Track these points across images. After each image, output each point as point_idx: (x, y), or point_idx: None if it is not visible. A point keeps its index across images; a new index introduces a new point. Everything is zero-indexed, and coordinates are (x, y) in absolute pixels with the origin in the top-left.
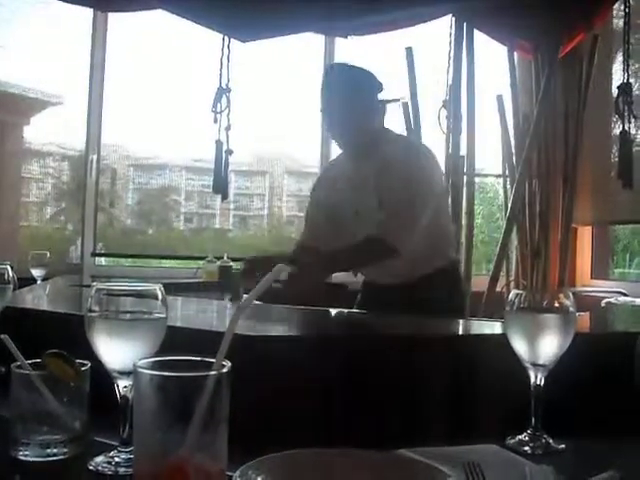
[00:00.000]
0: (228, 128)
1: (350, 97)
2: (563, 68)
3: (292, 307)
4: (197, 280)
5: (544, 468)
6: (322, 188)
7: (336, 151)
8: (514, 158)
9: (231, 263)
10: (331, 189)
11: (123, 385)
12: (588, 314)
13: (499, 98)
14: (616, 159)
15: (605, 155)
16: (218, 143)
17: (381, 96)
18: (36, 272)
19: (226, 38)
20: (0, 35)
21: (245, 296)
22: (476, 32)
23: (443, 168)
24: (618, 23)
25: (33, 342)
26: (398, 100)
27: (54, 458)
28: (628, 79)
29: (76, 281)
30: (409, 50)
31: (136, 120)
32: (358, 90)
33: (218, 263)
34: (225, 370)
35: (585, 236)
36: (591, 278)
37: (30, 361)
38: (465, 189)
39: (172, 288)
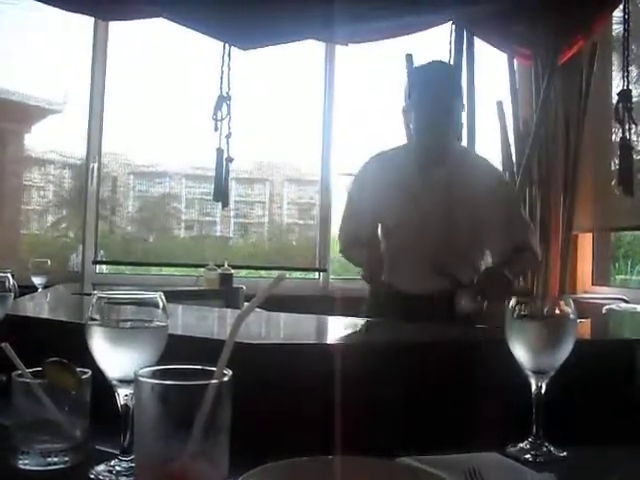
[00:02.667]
0: (229, 136)
1: (455, 94)
2: (563, 75)
3: (292, 314)
4: (198, 288)
5: (545, 476)
6: (373, 189)
7: (338, 159)
8: (514, 164)
9: (232, 271)
10: (393, 191)
11: (124, 394)
12: (589, 321)
13: (499, 105)
14: (616, 166)
15: (605, 162)
16: (219, 151)
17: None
18: (37, 280)
19: (226, 46)
20: (1, 43)
21: (246, 304)
22: (476, 39)
23: None
24: (617, 30)
25: (34, 350)
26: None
27: (55, 467)
28: (628, 86)
29: (77, 289)
30: (409, 57)
31: (137, 128)
32: (459, 92)
33: (219, 271)
34: (226, 379)
35: (586, 243)
36: (592, 285)
37: (31, 369)
38: None
39: (173, 296)
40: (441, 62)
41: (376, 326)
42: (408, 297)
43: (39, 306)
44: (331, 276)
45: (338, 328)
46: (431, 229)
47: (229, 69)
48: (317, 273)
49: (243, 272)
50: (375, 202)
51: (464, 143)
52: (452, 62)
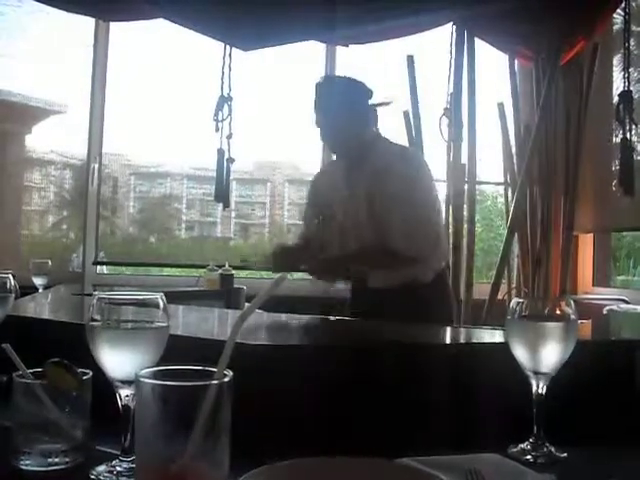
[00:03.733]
0: (229, 136)
1: (339, 108)
2: (564, 76)
3: (293, 315)
4: (198, 288)
5: (546, 477)
6: (316, 191)
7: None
8: (515, 166)
9: (232, 271)
10: (324, 193)
11: (125, 394)
12: (590, 322)
13: (500, 106)
14: (617, 166)
15: (606, 162)
16: (219, 151)
17: (371, 101)
18: (38, 280)
19: (227, 47)
20: (2, 44)
21: (247, 305)
22: (477, 40)
23: (444, 176)
24: (618, 31)
25: (35, 351)
26: (388, 103)
27: (55, 467)
28: (629, 87)
29: (78, 289)
30: (410, 58)
31: (138, 128)
32: (346, 101)
33: (219, 271)
34: (227, 379)
35: (587, 243)
36: (593, 285)
37: (32, 370)
38: (466, 197)
39: (173, 296)
40: (330, 77)
41: (376, 327)
42: (370, 290)
43: (40, 307)
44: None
45: (339, 329)
46: (360, 226)
47: (230, 70)
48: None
49: (244, 273)
50: (315, 207)
51: (464, 144)
52: (453, 63)
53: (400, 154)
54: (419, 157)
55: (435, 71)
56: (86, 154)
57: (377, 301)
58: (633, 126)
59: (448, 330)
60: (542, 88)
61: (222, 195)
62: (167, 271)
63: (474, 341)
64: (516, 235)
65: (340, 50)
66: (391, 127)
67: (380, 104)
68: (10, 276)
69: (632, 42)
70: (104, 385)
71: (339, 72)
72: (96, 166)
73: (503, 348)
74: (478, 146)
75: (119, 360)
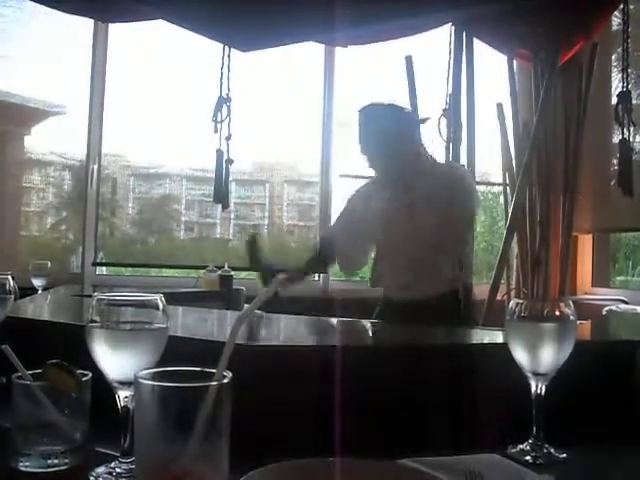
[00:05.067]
0: (228, 137)
1: (391, 140)
2: (563, 76)
3: (291, 316)
4: (198, 289)
5: (545, 477)
6: (359, 202)
7: (338, 160)
8: (514, 166)
9: (232, 272)
10: (365, 209)
11: (124, 395)
12: (589, 322)
13: (499, 106)
14: (616, 167)
15: (605, 163)
16: (218, 152)
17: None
18: (37, 282)
19: (226, 48)
20: (1, 45)
21: (246, 306)
22: (476, 41)
23: None
24: (617, 31)
25: (34, 352)
26: (426, 120)
27: (55, 469)
28: (627, 87)
29: (77, 291)
30: (409, 59)
31: (137, 130)
32: (398, 133)
33: (219, 272)
34: (226, 380)
35: (586, 244)
36: (592, 286)
37: (31, 371)
38: None
39: (173, 298)
40: (379, 105)
41: (377, 328)
42: (396, 303)
43: (39, 308)
44: (331, 278)
45: (338, 330)
46: (403, 246)
47: (229, 71)
48: (317, 275)
49: (243, 274)
50: (360, 224)
51: (463, 145)
52: (452, 63)
53: (442, 178)
54: (462, 179)
55: (434, 72)
56: (85, 155)
57: (401, 314)
58: (632, 126)
59: (446, 331)
60: (541, 89)
61: (221, 196)
62: (166, 272)
63: (473, 342)
64: (515, 235)
65: (339, 51)
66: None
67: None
68: (9, 277)
69: (630, 43)
70: (103, 386)
71: (348, 71)
72: (95, 167)
73: (502, 349)
74: (477, 146)
75: (118, 361)
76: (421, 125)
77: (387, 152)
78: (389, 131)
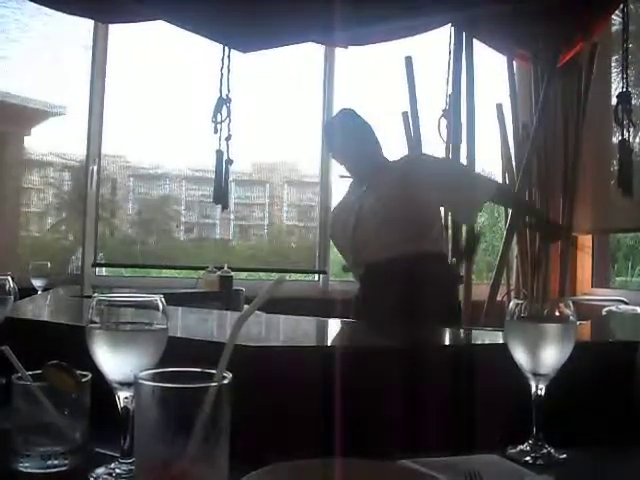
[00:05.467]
0: (228, 138)
1: (348, 144)
2: (562, 77)
3: (291, 316)
4: (198, 290)
5: (545, 478)
6: (336, 212)
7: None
8: (514, 167)
9: (231, 273)
10: (340, 213)
11: (124, 396)
12: (589, 323)
13: (499, 107)
14: (616, 167)
15: (605, 163)
16: (218, 153)
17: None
18: (37, 282)
19: (226, 48)
20: (1, 46)
21: (246, 307)
22: (475, 41)
23: None
24: (617, 32)
25: (34, 353)
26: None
27: (55, 470)
28: (627, 87)
29: (77, 291)
30: (408, 60)
31: (136, 130)
32: (353, 135)
33: (219, 273)
34: (226, 381)
35: (586, 244)
36: (592, 287)
37: (31, 372)
38: None
39: (173, 298)
40: (331, 119)
41: (375, 329)
42: (371, 267)
43: (39, 309)
44: (331, 278)
45: (338, 330)
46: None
47: (229, 71)
48: (317, 275)
49: (243, 274)
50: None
51: (463, 145)
52: (451, 64)
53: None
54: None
55: (434, 72)
56: (85, 156)
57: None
58: (631, 127)
59: (447, 331)
60: (540, 89)
61: (221, 197)
62: (166, 273)
63: (473, 342)
64: (515, 236)
65: (339, 52)
66: (390, 129)
67: None
68: (9, 278)
69: (630, 43)
70: (103, 387)
71: (348, 72)
72: (95, 168)
73: (502, 349)
74: (477, 147)
75: (118, 362)
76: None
77: (347, 154)
78: (345, 134)
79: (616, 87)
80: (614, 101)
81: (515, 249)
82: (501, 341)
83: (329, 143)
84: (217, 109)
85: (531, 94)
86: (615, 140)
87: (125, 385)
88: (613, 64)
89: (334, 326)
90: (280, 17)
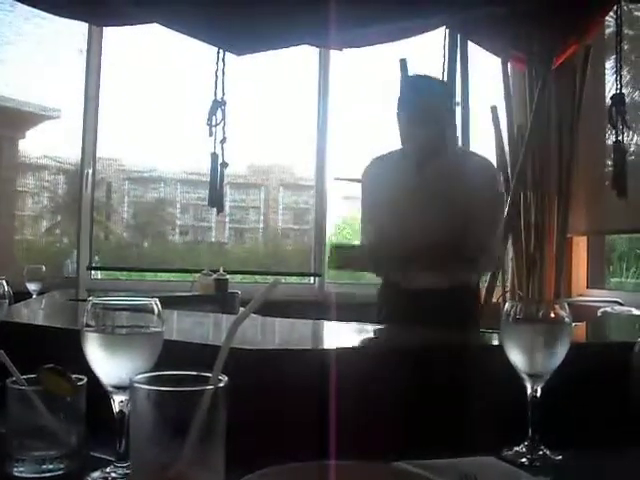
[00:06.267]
0: (223, 141)
1: (437, 108)
2: (557, 79)
3: (287, 319)
4: (193, 293)
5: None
6: (375, 183)
7: (333, 164)
8: (509, 169)
9: (227, 276)
10: (385, 186)
11: (119, 400)
12: (584, 324)
13: (493, 109)
14: (610, 169)
15: (599, 165)
16: (213, 156)
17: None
18: (31, 286)
19: (221, 51)
20: None
21: (241, 309)
22: (470, 44)
23: None
24: (610, 34)
25: (29, 357)
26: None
27: (50, 474)
28: (621, 89)
29: (72, 295)
30: (403, 62)
31: (131, 133)
32: (445, 102)
33: (214, 276)
34: (222, 384)
35: (580, 246)
36: (587, 288)
37: (26, 376)
38: None
39: (168, 301)
40: (429, 77)
41: (372, 330)
42: (409, 293)
43: (34, 313)
44: (326, 281)
45: (333, 333)
46: (426, 225)
47: (223, 74)
48: (312, 278)
49: (238, 277)
50: (376, 202)
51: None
52: (446, 66)
53: (487, 166)
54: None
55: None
56: (80, 159)
57: (417, 304)
58: (626, 129)
59: (444, 333)
60: (535, 91)
61: (216, 200)
62: (161, 276)
63: (469, 344)
64: (510, 238)
65: (334, 54)
66: (385, 130)
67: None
68: (4, 282)
69: (627, 44)
70: (99, 391)
71: (343, 74)
72: (90, 171)
73: (498, 351)
74: (471, 149)
75: (114, 366)
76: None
77: (426, 120)
78: (433, 100)
79: (610, 89)
80: (608, 103)
81: (510, 251)
82: (497, 343)
83: (414, 98)
84: (212, 112)
85: (526, 96)
86: (609, 142)
87: (121, 389)
88: (607, 66)
89: (329, 329)
90: (275, 20)
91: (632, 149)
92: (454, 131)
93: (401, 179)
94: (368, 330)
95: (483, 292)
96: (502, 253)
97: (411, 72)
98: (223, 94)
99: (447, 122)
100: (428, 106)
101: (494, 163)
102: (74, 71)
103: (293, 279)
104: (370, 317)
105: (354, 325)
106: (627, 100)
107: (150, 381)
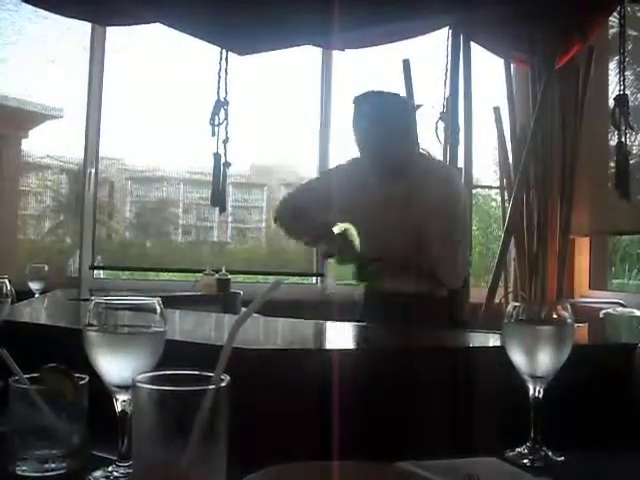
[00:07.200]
0: (226, 141)
1: (380, 124)
2: (560, 79)
3: (289, 319)
4: (195, 293)
5: None
6: (335, 187)
7: (335, 163)
8: (511, 169)
9: (229, 276)
10: (345, 192)
11: (122, 399)
12: (586, 325)
13: (496, 110)
14: (613, 170)
15: (602, 166)
16: (216, 156)
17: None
18: (34, 285)
19: (224, 51)
20: None
21: (243, 309)
22: (473, 44)
23: None
24: (614, 34)
25: (31, 356)
26: (419, 107)
27: (52, 473)
28: (624, 90)
29: (74, 294)
30: (406, 62)
31: (134, 133)
32: (388, 117)
33: (216, 276)
34: (224, 384)
35: (583, 247)
36: (589, 289)
37: (28, 375)
38: None
39: (170, 301)
40: (370, 93)
41: (374, 331)
42: (387, 295)
43: (36, 312)
44: (329, 280)
45: (336, 333)
46: (391, 235)
47: (226, 74)
48: (314, 278)
49: (240, 277)
50: (341, 201)
51: (461, 148)
52: (449, 67)
53: (444, 174)
54: (459, 179)
55: (431, 75)
56: (82, 158)
57: (391, 306)
58: (629, 129)
59: (443, 334)
60: (538, 92)
61: (218, 199)
62: (164, 275)
63: (471, 345)
64: (513, 238)
65: (336, 54)
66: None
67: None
68: (6, 281)
69: (630, 45)
70: (101, 390)
71: (345, 75)
72: (92, 170)
73: (500, 352)
74: (474, 149)
75: (116, 365)
76: (416, 114)
77: (379, 136)
78: (382, 115)
79: (613, 89)
80: (611, 103)
81: (513, 251)
82: (499, 344)
83: (361, 119)
84: (215, 112)
85: (528, 97)
86: (612, 142)
87: (123, 388)
88: (610, 66)
89: (332, 329)
90: (277, 20)
91: (635, 150)
92: (413, 145)
93: (360, 193)
94: (369, 330)
95: (485, 293)
96: (465, 271)
97: (363, 90)
98: (226, 94)
99: (402, 136)
100: (378, 124)
101: (457, 178)
102: (77, 71)
103: (295, 279)
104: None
105: (355, 325)
106: (630, 101)
107: (152, 380)
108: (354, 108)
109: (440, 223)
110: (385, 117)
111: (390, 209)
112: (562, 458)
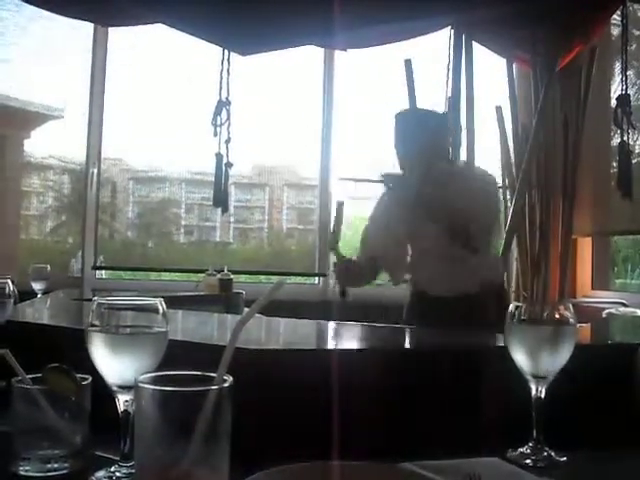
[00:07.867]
0: (228, 141)
1: (423, 141)
2: (562, 79)
3: (291, 319)
4: (198, 293)
5: None
6: (385, 209)
7: (337, 164)
8: (513, 169)
9: (231, 276)
10: (389, 213)
11: (124, 399)
12: (589, 325)
13: (498, 109)
14: (615, 170)
15: (604, 166)
16: (218, 156)
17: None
18: (37, 285)
19: (226, 51)
20: (1, 49)
21: (246, 309)
22: (475, 44)
23: None
24: (616, 35)
25: (34, 356)
26: None
27: (55, 473)
28: (626, 90)
29: (77, 294)
30: (408, 62)
31: (136, 133)
32: (431, 135)
33: (218, 276)
34: (226, 384)
35: (585, 247)
36: (592, 289)
37: (31, 375)
38: None
39: (172, 301)
40: (423, 110)
41: (377, 332)
42: (431, 298)
43: (39, 312)
44: (331, 281)
45: (338, 333)
46: (437, 241)
47: (228, 74)
48: (317, 278)
49: (243, 277)
50: (392, 226)
51: (463, 148)
52: (451, 67)
53: (483, 178)
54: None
55: (433, 75)
56: (85, 159)
57: (437, 309)
58: (631, 129)
59: (444, 335)
60: (540, 92)
61: (221, 200)
62: (166, 276)
63: (473, 345)
64: (515, 238)
65: (338, 54)
66: (389, 130)
67: None
68: (9, 281)
69: (634, 45)
70: (103, 390)
71: (348, 75)
72: (95, 171)
73: (502, 352)
74: (476, 149)
75: (118, 365)
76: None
77: (421, 152)
78: (423, 135)
79: (616, 89)
80: (614, 103)
81: (515, 251)
82: (501, 344)
83: (402, 137)
84: (217, 112)
85: (531, 96)
86: (615, 142)
87: (125, 388)
88: (613, 66)
89: (334, 329)
90: (280, 20)
91: (637, 150)
92: (452, 161)
93: (401, 210)
94: (370, 330)
95: None
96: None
97: (407, 108)
98: (228, 94)
99: (443, 155)
100: (421, 142)
101: (494, 167)
102: (79, 71)
103: (297, 279)
104: (374, 317)
105: (356, 325)
106: (633, 100)
107: (155, 381)
108: (395, 125)
109: (484, 224)
110: (425, 134)
111: (435, 218)
112: (564, 458)
